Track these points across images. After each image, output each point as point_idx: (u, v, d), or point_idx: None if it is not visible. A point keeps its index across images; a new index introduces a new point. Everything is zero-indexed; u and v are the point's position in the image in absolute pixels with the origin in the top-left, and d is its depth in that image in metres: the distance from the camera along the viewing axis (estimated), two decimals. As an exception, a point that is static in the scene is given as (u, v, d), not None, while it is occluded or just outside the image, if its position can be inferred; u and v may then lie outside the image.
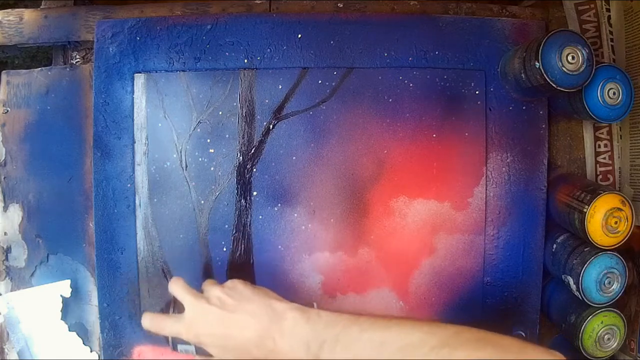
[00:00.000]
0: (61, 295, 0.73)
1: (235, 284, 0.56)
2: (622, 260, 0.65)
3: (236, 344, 0.51)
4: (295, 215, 0.72)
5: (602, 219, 0.64)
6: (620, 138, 0.76)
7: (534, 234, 0.73)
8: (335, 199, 0.72)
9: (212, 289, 0.55)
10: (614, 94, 0.65)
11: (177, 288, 0.57)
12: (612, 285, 0.65)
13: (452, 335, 0.46)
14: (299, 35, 0.72)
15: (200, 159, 0.71)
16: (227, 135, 0.71)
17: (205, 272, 0.72)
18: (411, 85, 0.72)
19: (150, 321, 0.57)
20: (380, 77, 0.72)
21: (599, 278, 0.64)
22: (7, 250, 0.74)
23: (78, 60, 0.76)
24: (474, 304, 0.73)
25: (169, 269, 0.72)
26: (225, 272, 0.72)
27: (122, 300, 0.73)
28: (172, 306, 0.57)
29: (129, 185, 0.71)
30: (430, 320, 0.51)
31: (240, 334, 0.51)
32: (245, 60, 0.72)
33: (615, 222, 0.64)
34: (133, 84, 0.72)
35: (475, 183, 0.73)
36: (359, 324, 0.49)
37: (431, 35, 0.72)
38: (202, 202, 0.71)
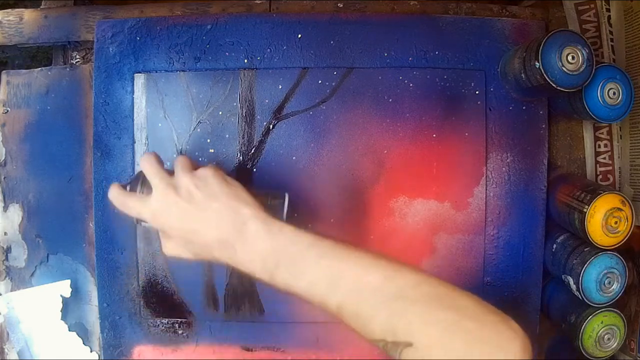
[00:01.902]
0: (61, 295, 0.73)
1: (207, 175, 0.52)
2: (622, 260, 0.65)
3: (198, 241, 0.50)
4: (296, 215, 0.72)
5: (602, 219, 0.64)
6: (620, 138, 0.76)
7: (534, 234, 0.73)
8: (336, 199, 0.72)
9: (182, 177, 0.52)
10: (614, 94, 0.65)
11: (148, 167, 0.54)
12: (612, 285, 0.65)
13: (412, 286, 0.44)
14: (299, 35, 0.72)
15: (200, 159, 0.71)
16: (227, 135, 0.71)
17: (205, 272, 0.72)
18: (411, 85, 0.72)
19: (116, 196, 0.55)
20: (380, 77, 0.72)
21: (599, 278, 0.64)
22: (7, 250, 0.74)
23: (78, 60, 0.76)
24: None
25: (169, 269, 0.72)
26: (225, 272, 0.72)
27: (122, 300, 0.73)
28: (141, 183, 0.55)
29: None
30: (391, 259, 0.47)
31: (203, 233, 0.50)
32: (245, 60, 0.72)
33: (615, 222, 0.64)
34: (133, 84, 0.72)
35: (475, 183, 0.73)
36: (319, 248, 0.47)
37: (431, 35, 0.72)
38: (202, 202, 0.71)
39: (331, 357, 0.73)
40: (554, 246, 0.72)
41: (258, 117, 0.71)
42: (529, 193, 0.73)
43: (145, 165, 0.54)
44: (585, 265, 0.64)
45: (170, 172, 0.55)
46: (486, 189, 0.73)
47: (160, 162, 0.55)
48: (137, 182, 0.56)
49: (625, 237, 0.64)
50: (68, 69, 0.75)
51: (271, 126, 0.72)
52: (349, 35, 0.72)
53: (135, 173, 0.57)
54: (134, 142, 0.72)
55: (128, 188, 0.56)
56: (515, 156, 0.73)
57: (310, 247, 0.47)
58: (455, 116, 0.72)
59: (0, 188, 0.74)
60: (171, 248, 0.54)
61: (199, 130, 0.71)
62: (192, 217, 0.50)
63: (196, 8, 0.74)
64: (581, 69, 0.62)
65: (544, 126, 0.73)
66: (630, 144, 0.74)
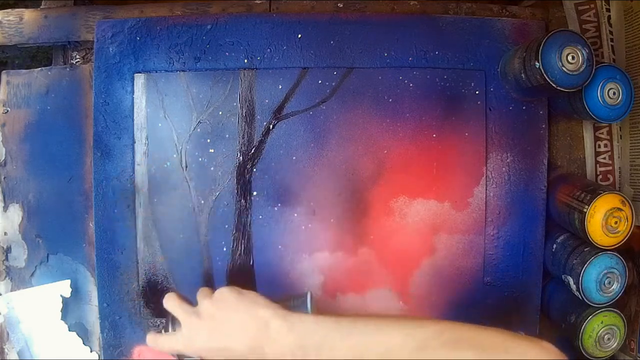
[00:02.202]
0: (61, 295, 0.73)
1: (223, 294, 0.56)
2: (622, 260, 0.65)
3: (231, 354, 0.53)
4: (295, 215, 0.72)
5: (602, 219, 0.64)
6: (620, 138, 0.76)
7: (534, 234, 0.73)
8: (335, 199, 0.72)
9: (202, 304, 0.56)
10: (614, 94, 0.65)
11: (170, 305, 0.58)
12: (612, 285, 0.65)
13: (432, 336, 0.46)
14: (299, 35, 0.72)
15: (200, 159, 0.71)
16: (227, 135, 0.71)
17: (205, 272, 0.72)
18: (411, 85, 0.72)
19: (154, 342, 0.58)
20: (380, 77, 0.72)
21: (599, 278, 0.64)
22: (7, 250, 0.74)
23: (78, 60, 0.76)
24: (474, 304, 0.73)
25: (169, 269, 0.72)
26: (225, 272, 0.72)
27: (122, 300, 0.73)
28: (171, 322, 0.59)
29: (129, 185, 0.71)
30: (413, 318, 0.51)
31: (232, 346, 0.53)
32: (245, 60, 0.72)
33: (615, 222, 0.64)
34: (133, 84, 0.72)
35: (475, 183, 0.73)
36: (341, 329, 0.50)
37: (431, 35, 0.72)
38: (202, 202, 0.71)
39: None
40: (554, 246, 0.72)
41: (258, 117, 0.71)
42: (529, 193, 0.73)
43: (168, 304, 0.58)
44: (585, 265, 0.64)
45: (193, 301, 0.58)
46: (486, 189, 0.73)
47: (181, 298, 0.59)
48: (168, 323, 0.59)
49: (625, 237, 0.64)
50: (68, 69, 0.75)
51: (271, 126, 0.72)
52: (349, 35, 0.72)
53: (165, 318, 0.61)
54: (134, 142, 0.72)
55: (162, 332, 0.60)
56: (515, 156, 0.73)
57: (331, 330, 0.50)
58: (455, 116, 0.72)
59: (0, 188, 0.74)
60: None
61: (199, 130, 0.71)
62: (219, 335, 0.54)
63: (196, 8, 0.74)
64: (581, 69, 0.62)
65: (544, 126, 0.73)
66: (630, 144, 0.74)
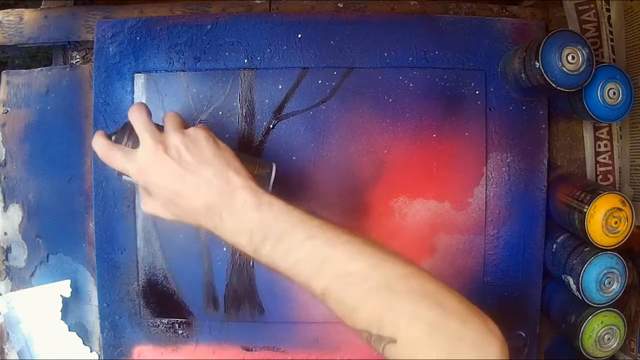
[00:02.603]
0: (61, 295, 0.73)
1: (198, 137, 0.51)
2: (622, 260, 0.65)
3: (183, 204, 0.49)
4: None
5: (602, 219, 0.64)
6: (620, 138, 0.76)
7: (534, 234, 0.73)
8: (336, 199, 0.72)
9: (173, 136, 0.50)
10: (614, 94, 0.65)
11: (137, 119, 0.52)
12: (612, 285, 0.65)
13: (399, 277, 0.43)
14: (299, 35, 0.72)
15: (200, 159, 0.71)
16: (227, 135, 0.71)
17: (206, 272, 0.72)
18: (411, 85, 0.72)
19: (101, 146, 0.52)
20: (380, 77, 0.72)
21: (599, 278, 0.64)
22: (7, 250, 0.74)
23: (78, 60, 0.76)
24: (474, 304, 0.73)
25: (169, 268, 0.72)
26: (225, 272, 0.72)
27: (122, 300, 0.73)
28: (128, 135, 0.53)
29: (129, 185, 0.71)
30: (384, 248, 0.46)
31: (190, 197, 0.48)
32: (245, 60, 0.72)
33: (615, 222, 0.64)
34: (133, 84, 0.71)
35: (475, 183, 0.73)
36: (307, 229, 0.46)
37: (431, 35, 0.72)
38: (202, 202, 0.71)
39: (331, 357, 0.73)
40: (554, 246, 0.72)
41: (258, 117, 0.71)
42: (529, 193, 0.73)
43: (134, 116, 0.52)
44: (585, 265, 0.64)
45: (160, 127, 0.53)
46: (486, 189, 0.73)
47: (150, 114, 0.53)
48: (124, 134, 0.53)
49: (625, 237, 0.64)
50: (68, 69, 0.75)
51: (271, 126, 0.72)
52: (349, 35, 0.72)
53: (123, 123, 0.55)
54: (134, 142, 0.72)
55: (113, 138, 0.54)
56: (515, 156, 0.73)
57: (298, 225, 0.46)
58: (455, 116, 0.72)
59: (0, 188, 0.74)
60: (152, 206, 0.52)
61: (199, 130, 0.71)
62: (180, 179, 0.49)
63: (196, 8, 0.74)
64: (581, 69, 0.62)
65: (544, 126, 0.73)
66: (630, 144, 0.74)
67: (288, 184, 0.72)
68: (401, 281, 0.43)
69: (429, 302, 0.42)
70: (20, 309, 0.73)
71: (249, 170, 0.52)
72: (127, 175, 0.52)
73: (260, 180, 0.55)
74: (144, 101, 0.71)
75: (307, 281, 0.45)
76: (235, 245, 0.48)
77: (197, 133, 0.51)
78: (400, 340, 0.41)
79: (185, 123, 0.54)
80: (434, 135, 0.72)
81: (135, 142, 0.52)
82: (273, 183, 0.57)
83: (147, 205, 0.53)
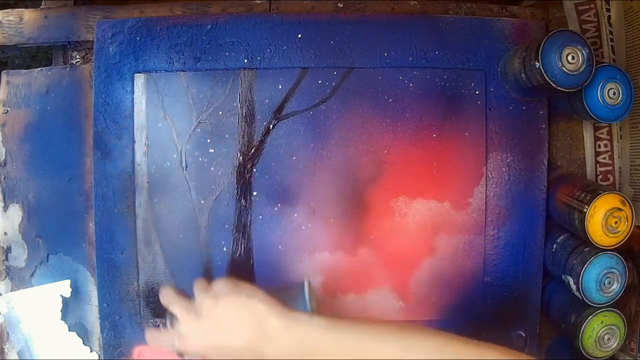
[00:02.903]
0: (61, 295, 0.73)
1: (220, 288, 0.55)
2: (622, 260, 0.65)
3: (229, 352, 0.52)
4: (295, 215, 0.72)
5: (602, 219, 0.64)
6: (620, 138, 0.76)
7: (534, 234, 0.73)
8: (336, 199, 0.72)
9: (200, 297, 0.56)
10: (614, 94, 0.65)
11: (167, 301, 0.57)
12: (612, 285, 0.65)
13: (431, 352, 0.46)
14: (299, 35, 0.72)
15: (200, 159, 0.71)
16: (227, 135, 0.71)
17: (206, 272, 0.72)
18: (411, 85, 0.72)
19: (153, 340, 0.58)
20: (380, 77, 0.72)
21: (599, 278, 0.64)
22: (7, 250, 0.74)
23: (78, 60, 0.76)
24: (474, 304, 0.73)
25: (169, 268, 0.72)
26: (225, 272, 0.72)
27: (122, 300, 0.73)
28: (169, 318, 0.58)
29: (129, 185, 0.71)
30: (412, 329, 0.50)
31: (230, 343, 0.52)
32: (245, 60, 0.72)
33: (615, 222, 0.64)
34: (133, 84, 0.71)
35: (475, 183, 0.73)
36: (335, 333, 0.49)
37: (431, 35, 0.72)
38: (202, 202, 0.71)
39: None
40: (554, 246, 0.72)
41: (258, 117, 0.71)
42: (529, 193, 0.73)
43: (164, 300, 0.57)
44: (585, 265, 0.64)
45: (191, 295, 0.57)
46: (486, 189, 0.73)
47: (178, 292, 0.57)
48: (166, 319, 0.58)
49: (625, 237, 0.64)
50: (68, 69, 0.75)
51: (271, 126, 0.72)
52: (349, 35, 0.72)
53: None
54: (134, 142, 0.72)
55: (162, 328, 0.58)
56: (515, 156, 0.73)
57: (328, 332, 0.49)
58: (455, 116, 0.72)
59: (0, 188, 0.74)
60: None
61: (199, 130, 0.71)
62: (216, 333, 0.53)
63: (196, 8, 0.74)
64: (581, 69, 0.62)
65: (544, 126, 0.73)
66: (630, 144, 0.74)
67: (288, 184, 0.72)
68: (433, 355, 0.45)
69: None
70: (20, 309, 0.73)
71: (282, 295, 0.55)
72: (185, 353, 0.56)
73: (295, 299, 0.58)
74: (144, 102, 0.71)
75: None
76: None
77: (218, 284, 0.56)
78: None
79: (212, 281, 0.57)
80: (434, 135, 0.72)
81: (177, 322, 0.57)
82: (311, 298, 0.58)
83: None
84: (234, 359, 0.53)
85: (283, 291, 0.59)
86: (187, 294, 0.57)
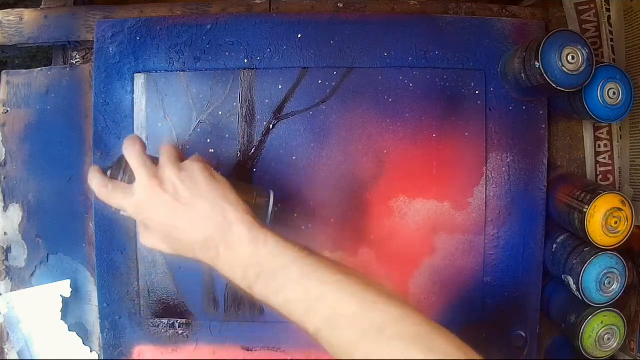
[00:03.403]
0: (61, 295, 0.73)
1: (194, 170, 0.51)
2: (622, 260, 0.65)
3: (181, 238, 0.49)
4: (295, 215, 0.72)
5: (602, 219, 0.64)
6: (620, 138, 0.76)
7: (534, 234, 0.73)
8: (336, 199, 0.72)
9: (169, 170, 0.50)
10: (614, 94, 0.65)
11: (132, 154, 0.52)
12: (612, 285, 0.65)
13: (391, 320, 0.42)
14: (299, 35, 0.72)
15: (200, 159, 0.71)
16: (227, 135, 0.71)
17: (205, 272, 0.72)
18: (411, 85, 0.72)
19: (97, 184, 0.52)
20: (380, 77, 0.72)
21: (599, 278, 0.64)
22: (7, 250, 0.74)
23: (78, 60, 0.76)
24: (474, 304, 0.73)
25: (169, 268, 0.72)
26: (225, 272, 0.72)
27: (122, 300, 0.73)
28: (123, 170, 0.53)
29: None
30: (378, 289, 0.45)
31: (187, 231, 0.49)
32: (245, 60, 0.72)
33: (615, 222, 0.64)
34: (133, 84, 0.72)
35: (475, 183, 0.73)
36: (301, 266, 0.46)
37: (431, 35, 0.72)
38: (202, 202, 0.71)
39: (331, 358, 0.73)
40: (554, 246, 0.72)
41: (258, 117, 0.71)
42: (529, 193, 0.73)
43: (128, 151, 0.52)
44: (585, 265, 0.64)
45: (155, 160, 0.53)
46: (486, 189, 0.73)
47: (144, 148, 0.53)
48: (119, 168, 0.53)
49: (625, 237, 0.64)
50: (68, 69, 0.75)
51: (271, 126, 0.72)
52: (349, 35, 0.72)
53: (118, 157, 0.55)
54: (134, 142, 0.71)
55: (109, 173, 0.54)
56: (515, 156, 0.73)
57: (292, 263, 0.46)
58: (455, 116, 0.72)
59: (0, 188, 0.74)
60: (150, 241, 0.53)
61: (199, 130, 0.71)
62: (177, 214, 0.49)
63: (196, 8, 0.74)
64: (581, 69, 0.62)
65: (544, 126, 0.73)
66: (630, 144, 0.74)
67: (288, 184, 0.72)
68: (393, 325, 0.42)
69: (420, 347, 0.40)
70: (20, 309, 0.73)
71: (246, 199, 0.52)
72: (125, 212, 0.53)
73: (258, 209, 0.55)
74: (144, 101, 0.71)
75: (300, 321, 0.45)
76: (232, 280, 0.48)
77: (192, 166, 0.51)
78: None
79: (182, 155, 0.54)
80: (434, 135, 0.72)
81: (131, 177, 0.52)
82: (272, 212, 0.57)
83: (146, 240, 0.53)
84: (179, 243, 0.50)
85: (249, 193, 0.56)
86: (152, 158, 0.53)
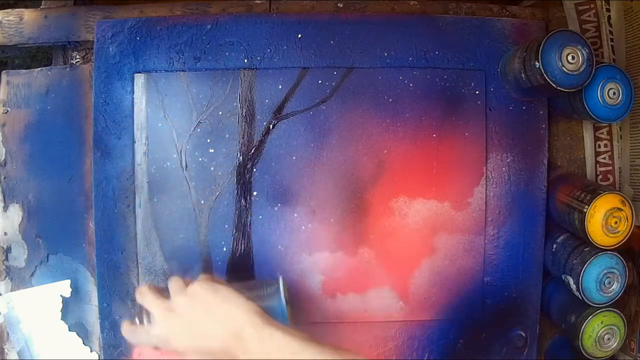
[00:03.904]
0: (61, 295, 0.73)
1: (196, 291, 0.57)
2: (622, 260, 0.65)
3: (206, 351, 0.55)
4: (295, 215, 0.72)
5: (602, 219, 0.64)
6: (620, 138, 0.76)
7: (534, 234, 0.73)
8: (335, 199, 0.72)
9: (176, 298, 0.58)
10: (614, 94, 0.65)
11: (143, 300, 0.59)
12: (612, 285, 0.65)
13: None
14: (299, 35, 0.72)
15: (200, 159, 0.71)
16: (227, 135, 0.71)
17: (205, 272, 0.72)
18: (411, 85, 0.72)
19: (129, 334, 0.60)
20: (380, 77, 0.72)
21: (599, 278, 0.64)
22: (7, 250, 0.74)
23: (78, 60, 0.76)
24: (474, 304, 0.73)
25: (169, 269, 0.72)
26: (225, 272, 0.72)
27: (122, 300, 0.72)
28: (145, 314, 0.59)
29: (129, 185, 0.71)
30: None
31: (207, 344, 0.55)
32: (245, 60, 0.72)
33: (615, 222, 0.64)
34: (133, 84, 0.72)
35: (475, 183, 0.73)
36: (305, 355, 0.51)
37: (431, 35, 0.72)
38: (202, 202, 0.71)
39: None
40: (554, 246, 0.72)
41: (258, 117, 0.71)
42: (529, 193, 0.73)
43: (141, 300, 0.59)
44: (585, 265, 0.64)
45: (166, 292, 0.60)
46: (486, 189, 0.73)
47: (154, 290, 0.60)
48: (142, 313, 0.60)
49: (625, 237, 0.64)
50: (68, 69, 0.75)
51: (271, 126, 0.72)
52: (349, 35, 0.72)
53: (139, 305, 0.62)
54: (134, 142, 0.72)
55: (137, 321, 0.60)
56: (515, 156, 0.73)
57: (296, 355, 0.51)
58: (455, 116, 0.72)
59: (0, 188, 0.74)
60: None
61: (199, 130, 0.71)
62: (193, 335, 0.56)
63: (196, 8, 0.74)
64: (581, 69, 0.62)
65: (544, 126, 0.73)
66: (630, 144, 0.74)
67: (288, 184, 0.72)
68: None
69: None
70: (20, 309, 0.73)
71: (258, 294, 0.59)
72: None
73: (271, 298, 0.61)
74: (144, 101, 0.71)
75: None
76: None
77: (195, 287, 0.58)
78: None
79: (188, 281, 0.60)
80: (434, 135, 0.72)
81: (152, 317, 0.59)
82: (286, 295, 0.61)
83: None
84: (209, 354, 0.55)
85: (259, 288, 0.61)
86: (163, 292, 0.59)
